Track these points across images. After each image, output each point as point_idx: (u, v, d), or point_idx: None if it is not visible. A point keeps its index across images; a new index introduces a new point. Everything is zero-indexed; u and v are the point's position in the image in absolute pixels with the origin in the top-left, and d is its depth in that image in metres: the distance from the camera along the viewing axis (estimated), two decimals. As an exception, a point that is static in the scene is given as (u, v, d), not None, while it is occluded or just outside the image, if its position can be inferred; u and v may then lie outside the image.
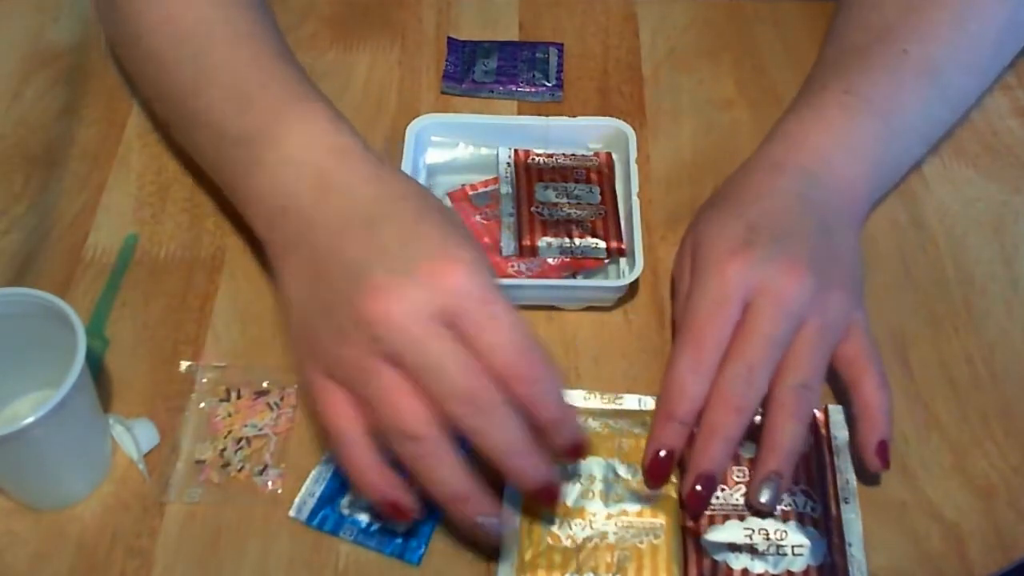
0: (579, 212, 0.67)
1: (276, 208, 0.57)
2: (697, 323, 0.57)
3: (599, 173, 0.69)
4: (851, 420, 0.59)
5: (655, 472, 0.57)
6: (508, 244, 0.66)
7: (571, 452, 0.53)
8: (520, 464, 0.51)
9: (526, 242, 0.66)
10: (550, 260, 0.66)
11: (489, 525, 0.52)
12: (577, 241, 0.66)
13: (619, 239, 0.66)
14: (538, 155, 0.70)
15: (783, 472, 0.56)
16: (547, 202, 0.67)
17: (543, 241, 0.66)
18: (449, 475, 0.51)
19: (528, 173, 0.69)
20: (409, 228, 0.53)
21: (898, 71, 0.67)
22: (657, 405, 0.58)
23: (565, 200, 0.68)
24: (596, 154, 0.71)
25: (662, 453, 0.57)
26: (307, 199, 0.56)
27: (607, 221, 0.67)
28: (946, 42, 0.68)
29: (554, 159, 0.70)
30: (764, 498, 0.55)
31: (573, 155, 0.71)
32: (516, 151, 0.71)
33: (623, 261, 0.66)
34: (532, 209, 0.67)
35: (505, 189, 0.69)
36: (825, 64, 0.70)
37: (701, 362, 0.56)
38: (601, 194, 0.68)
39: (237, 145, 0.60)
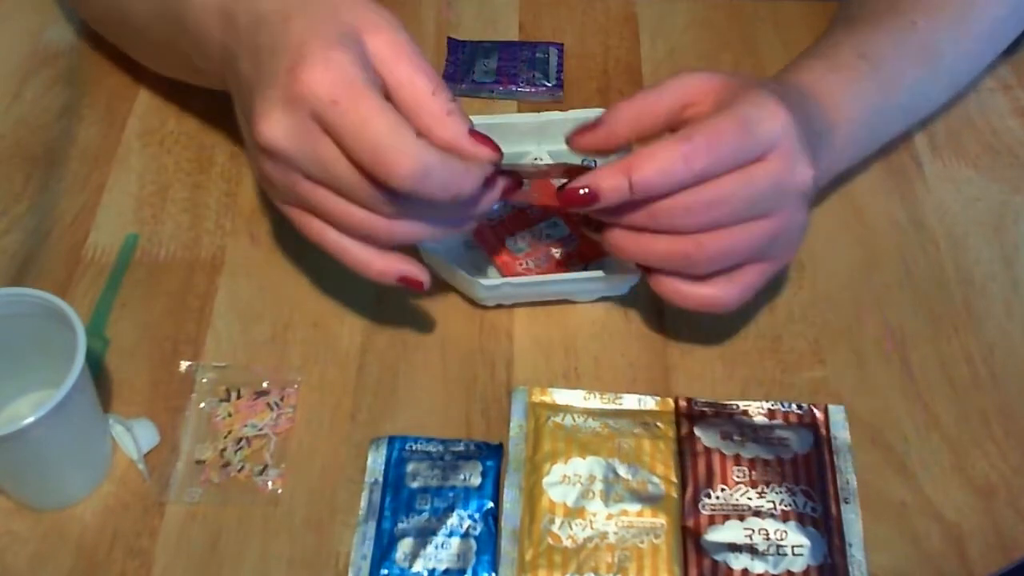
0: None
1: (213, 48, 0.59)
2: (723, 132, 0.54)
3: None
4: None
5: (568, 198, 0.55)
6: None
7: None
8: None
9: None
10: (555, 253, 0.66)
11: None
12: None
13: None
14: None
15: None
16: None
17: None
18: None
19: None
20: (279, 32, 0.53)
21: (905, 44, 0.67)
22: (626, 160, 0.54)
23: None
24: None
25: (583, 192, 0.54)
26: (218, 35, 0.57)
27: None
28: (950, 20, 0.69)
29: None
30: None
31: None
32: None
33: None
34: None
35: None
36: (836, 23, 0.70)
37: (696, 161, 0.53)
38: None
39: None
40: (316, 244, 0.56)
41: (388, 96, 0.53)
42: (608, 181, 0.53)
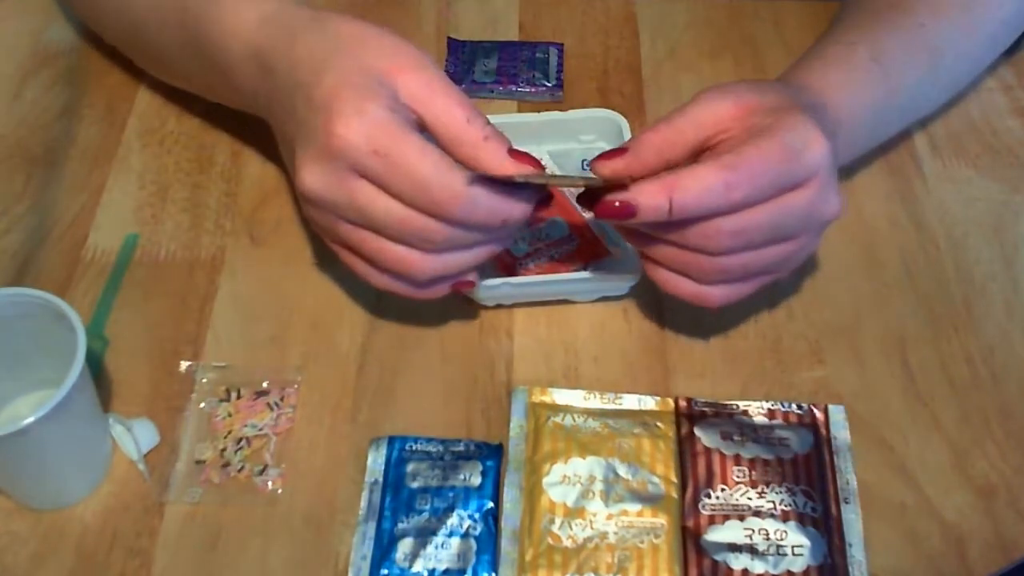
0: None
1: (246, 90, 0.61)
2: (766, 161, 0.53)
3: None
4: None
5: (605, 210, 0.54)
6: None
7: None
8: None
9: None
10: (555, 254, 0.66)
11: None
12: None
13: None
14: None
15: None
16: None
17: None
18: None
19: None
20: (313, 86, 0.54)
21: (913, 46, 0.67)
22: (657, 181, 0.54)
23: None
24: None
25: (619, 205, 0.54)
26: (253, 83, 0.59)
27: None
28: (956, 22, 0.69)
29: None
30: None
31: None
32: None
33: (632, 249, 0.65)
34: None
35: None
36: (845, 20, 0.70)
37: (738, 190, 0.53)
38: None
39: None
40: (364, 281, 0.58)
41: (426, 130, 0.54)
42: (648, 200, 0.53)
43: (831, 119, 0.61)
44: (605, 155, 0.57)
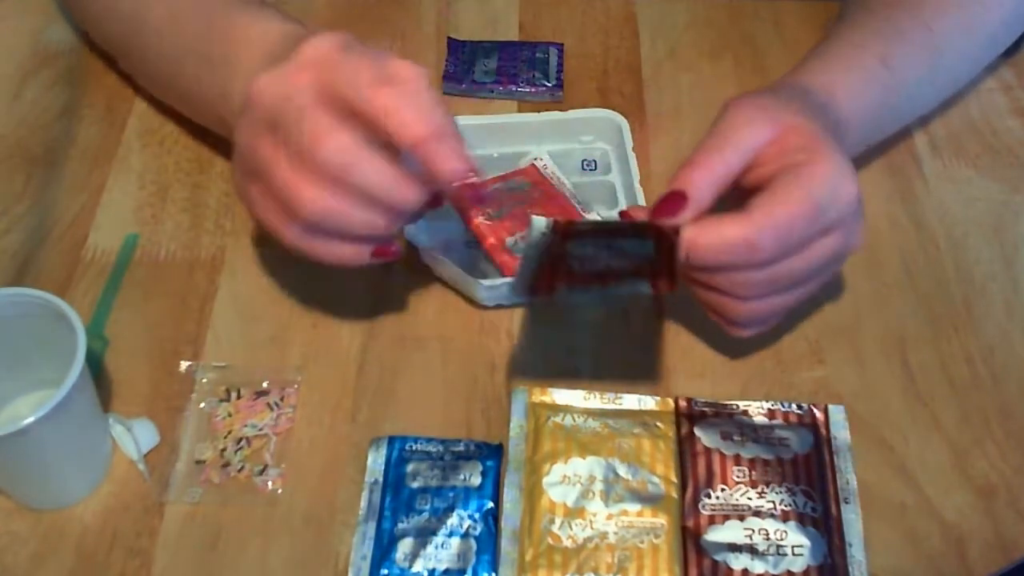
0: (621, 262, 0.54)
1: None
2: (794, 218, 0.54)
3: (659, 230, 0.54)
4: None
5: (664, 202, 0.55)
6: (520, 283, 0.55)
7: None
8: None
9: (541, 283, 0.55)
10: None
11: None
12: (612, 286, 0.56)
13: (671, 276, 0.55)
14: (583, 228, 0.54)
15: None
16: (583, 256, 0.54)
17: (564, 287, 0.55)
18: (376, 169, 0.53)
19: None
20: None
21: (919, 48, 0.67)
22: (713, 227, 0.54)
23: (605, 253, 0.54)
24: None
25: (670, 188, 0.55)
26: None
27: (658, 262, 0.55)
28: (960, 23, 0.69)
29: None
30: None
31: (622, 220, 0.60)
32: (556, 222, 0.51)
33: None
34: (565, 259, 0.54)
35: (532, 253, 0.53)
36: (851, 19, 0.70)
37: (763, 250, 0.54)
38: (657, 250, 0.54)
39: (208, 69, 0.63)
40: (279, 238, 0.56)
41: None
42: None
43: (842, 121, 0.61)
44: (667, 204, 0.55)
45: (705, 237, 0.54)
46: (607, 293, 0.56)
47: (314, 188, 0.52)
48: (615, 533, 0.56)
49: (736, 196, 0.57)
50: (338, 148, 0.52)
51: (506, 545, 0.56)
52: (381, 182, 0.53)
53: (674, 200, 0.55)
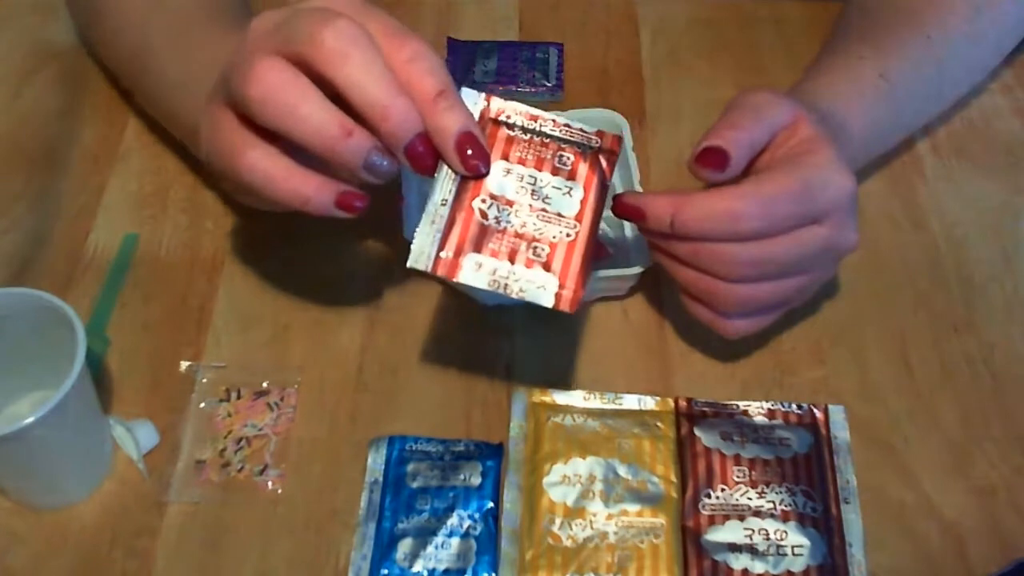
0: (538, 225, 0.51)
1: None
2: (780, 195, 0.54)
3: (592, 164, 0.53)
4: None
5: (620, 206, 0.56)
6: (421, 252, 0.50)
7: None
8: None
9: (445, 253, 0.50)
10: None
11: (377, 163, 0.49)
12: (516, 272, 0.51)
13: (579, 280, 0.51)
14: (518, 114, 0.53)
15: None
16: (500, 196, 0.51)
17: (469, 259, 0.50)
18: (319, 110, 0.48)
19: (494, 140, 0.52)
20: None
21: (919, 60, 0.67)
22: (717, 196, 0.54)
23: (527, 200, 0.51)
24: (600, 134, 0.55)
25: (632, 205, 0.55)
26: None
27: (571, 249, 0.51)
28: (959, 33, 0.69)
29: (539, 124, 0.53)
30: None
31: (568, 127, 0.54)
32: (488, 97, 0.52)
33: (632, 249, 0.65)
34: (475, 203, 0.51)
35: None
36: (852, 29, 0.70)
37: (747, 220, 0.54)
38: (582, 201, 0.52)
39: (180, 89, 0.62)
40: (251, 181, 0.52)
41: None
42: (655, 207, 0.55)
43: (846, 133, 0.61)
44: (709, 156, 0.55)
45: (691, 204, 0.54)
46: (510, 282, 0.51)
47: (278, 63, 0.48)
48: (615, 533, 0.56)
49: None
50: (345, 29, 0.47)
51: (506, 545, 0.56)
52: (375, 80, 0.48)
53: (717, 155, 0.55)
